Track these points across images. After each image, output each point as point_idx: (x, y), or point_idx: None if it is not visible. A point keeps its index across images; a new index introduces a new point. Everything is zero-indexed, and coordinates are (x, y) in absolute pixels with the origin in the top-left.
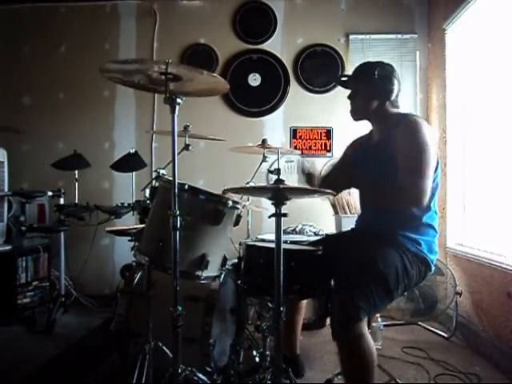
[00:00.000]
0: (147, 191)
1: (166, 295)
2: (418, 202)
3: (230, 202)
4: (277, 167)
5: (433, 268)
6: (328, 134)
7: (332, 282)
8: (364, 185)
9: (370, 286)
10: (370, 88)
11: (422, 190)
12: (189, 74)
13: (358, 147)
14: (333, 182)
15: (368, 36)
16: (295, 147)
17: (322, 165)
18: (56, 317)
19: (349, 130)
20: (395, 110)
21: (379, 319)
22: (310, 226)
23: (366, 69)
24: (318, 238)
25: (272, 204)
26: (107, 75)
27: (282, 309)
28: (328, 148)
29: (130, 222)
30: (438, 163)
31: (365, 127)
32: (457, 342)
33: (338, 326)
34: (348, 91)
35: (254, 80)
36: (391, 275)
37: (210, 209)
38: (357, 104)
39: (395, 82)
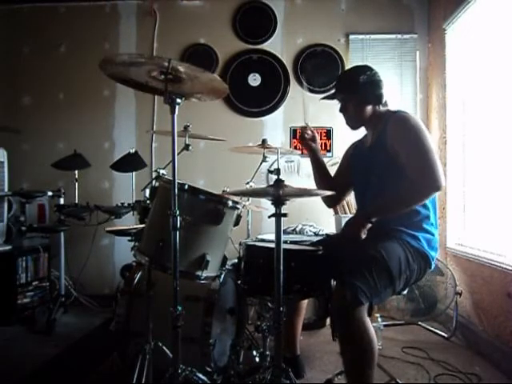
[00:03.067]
0: (147, 191)
1: (166, 295)
2: (435, 185)
3: (230, 202)
4: (277, 167)
5: (433, 265)
6: (328, 133)
7: (332, 282)
8: (366, 187)
9: (370, 269)
10: (360, 96)
11: (434, 171)
12: (189, 72)
13: (354, 151)
14: (336, 186)
15: (368, 36)
16: (295, 147)
17: None
18: (56, 317)
19: (349, 130)
20: (385, 109)
21: (379, 319)
22: (310, 226)
23: (349, 78)
24: (319, 238)
25: (272, 204)
26: (107, 71)
27: (282, 309)
28: (328, 148)
29: (130, 221)
30: None
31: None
32: (457, 342)
33: (336, 310)
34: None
35: (254, 80)
36: (394, 263)
37: (210, 209)
38: (350, 115)
39: (382, 84)
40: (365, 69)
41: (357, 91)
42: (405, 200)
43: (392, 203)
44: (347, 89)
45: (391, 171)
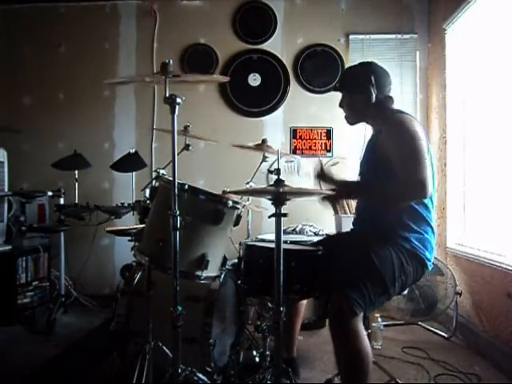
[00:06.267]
0: (147, 191)
1: (166, 295)
2: (422, 192)
3: (230, 202)
4: (277, 167)
5: (429, 266)
6: (328, 133)
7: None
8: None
9: (364, 281)
10: (351, 93)
11: (422, 179)
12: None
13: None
14: None
15: (368, 36)
16: (295, 147)
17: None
18: (56, 317)
19: (349, 130)
20: (388, 106)
21: (379, 319)
22: (310, 226)
23: (344, 76)
24: (320, 238)
25: (272, 204)
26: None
27: (282, 309)
28: (328, 148)
29: (130, 222)
30: (430, 157)
31: (364, 127)
32: (457, 342)
33: (332, 321)
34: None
35: (254, 80)
36: (387, 271)
37: (210, 209)
38: (345, 111)
39: (372, 78)
40: (360, 66)
41: (352, 90)
42: (389, 198)
43: (376, 195)
44: (344, 87)
45: (381, 173)
